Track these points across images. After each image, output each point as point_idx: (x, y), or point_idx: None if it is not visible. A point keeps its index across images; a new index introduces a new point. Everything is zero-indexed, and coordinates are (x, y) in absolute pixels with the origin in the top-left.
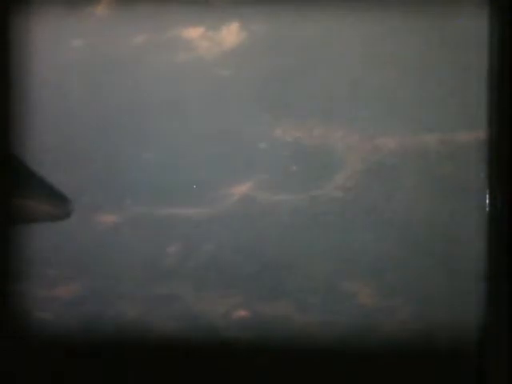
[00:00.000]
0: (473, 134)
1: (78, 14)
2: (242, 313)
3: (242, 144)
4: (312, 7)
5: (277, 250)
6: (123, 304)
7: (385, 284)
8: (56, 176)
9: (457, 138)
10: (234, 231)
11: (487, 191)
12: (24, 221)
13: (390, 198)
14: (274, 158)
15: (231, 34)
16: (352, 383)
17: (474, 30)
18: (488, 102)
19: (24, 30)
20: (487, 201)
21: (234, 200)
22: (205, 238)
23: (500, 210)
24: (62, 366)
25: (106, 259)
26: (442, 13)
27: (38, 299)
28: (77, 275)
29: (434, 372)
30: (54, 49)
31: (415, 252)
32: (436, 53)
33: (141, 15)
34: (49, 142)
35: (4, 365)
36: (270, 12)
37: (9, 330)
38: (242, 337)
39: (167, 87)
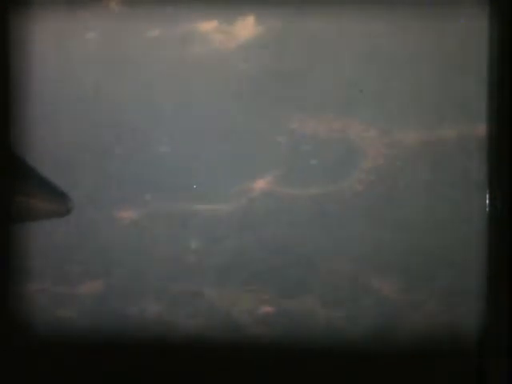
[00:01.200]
0: (473, 134)
1: (91, 8)
2: (267, 309)
3: (260, 138)
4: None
5: (300, 245)
6: (146, 301)
7: (409, 278)
8: (73, 173)
9: (456, 138)
10: (256, 227)
11: (487, 191)
12: (24, 218)
13: (410, 193)
14: (292, 152)
15: (246, 27)
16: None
17: (473, 30)
18: (488, 102)
19: (26, 27)
20: (487, 201)
21: (254, 195)
22: (226, 234)
23: (500, 210)
24: (87, 365)
25: (127, 256)
26: (442, 13)
27: (61, 297)
28: (99, 272)
29: (435, 372)
30: (68, 43)
31: (415, 251)
32: (436, 53)
33: (154, 9)
34: (64, 139)
35: (27, 363)
36: (285, 4)
37: (20, 329)
38: (268, 333)
39: (182, 81)
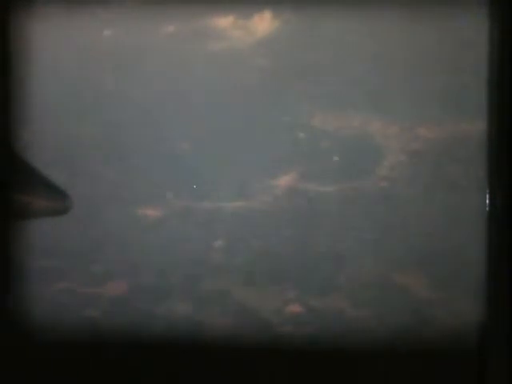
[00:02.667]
0: (473, 133)
1: (107, 5)
2: (296, 308)
3: (281, 135)
4: None
5: (326, 242)
6: (173, 301)
7: (437, 276)
8: (95, 172)
9: (456, 138)
10: (282, 224)
11: (487, 191)
12: (23, 216)
13: (433, 189)
14: (314, 148)
15: (264, 22)
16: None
17: (473, 30)
18: (488, 102)
19: (27, 24)
20: (487, 201)
21: (278, 192)
22: (251, 232)
23: (500, 210)
24: (114, 364)
25: (151, 255)
26: (443, 13)
27: (88, 297)
28: (124, 272)
29: (435, 372)
30: (85, 40)
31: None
32: (435, 53)
33: (169, 5)
34: (84, 137)
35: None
36: (301, 0)
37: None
38: (297, 332)
39: (200, 78)
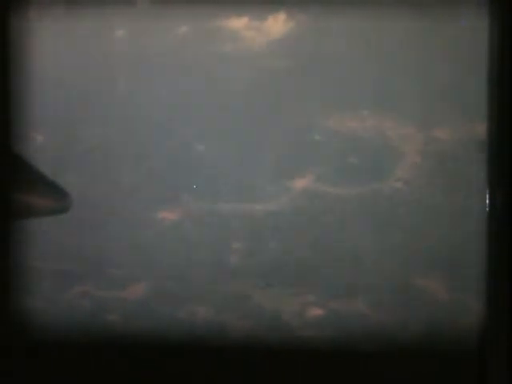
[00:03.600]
0: (473, 133)
1: (119, 6)
2: (316, 311)
3: (296, 136)
4: None
5: (345, 245)
6: (193, 304)
7: (458, 279)
8: (111, 174)
9: (456, 138)
10: (299, 226)
11: (487, 191)
12: (23, 215)
13: (451, 190)
14: (330, 150)
15: (278, 23)
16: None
17: (473, 30)
18: (488, 102)
19: (34, 26)
20: (487, 201)
21: (295, 194)
22: (269, 234)
23: (500, 210)
24: (133, 367)
25: (169, 258)
26: (443, 13)
27: (106, 301)
28: (143, 275)
29: (435, 372)
30: (97, 40)
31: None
32: (435, 53)
33: (182, 5)
34: (99, 139)
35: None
36: (316, 0)
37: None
38: (318, 336)
39: (214, 79)
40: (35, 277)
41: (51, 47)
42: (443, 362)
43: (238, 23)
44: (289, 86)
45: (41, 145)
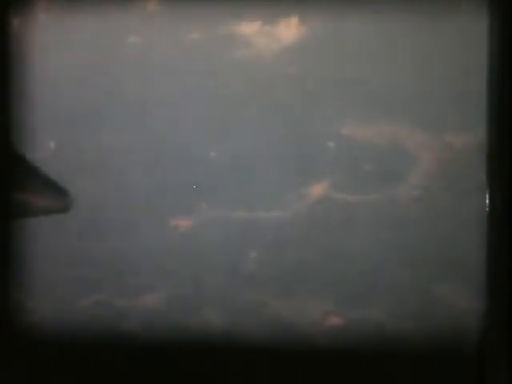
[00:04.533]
0: (472, 133)
1: (129, 10)
2: (334, 320)
3: (311, 143)
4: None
5: (362, 253)
6: (209, 312)
7: (474, 286)
8: (125, 181)
9: (457, 138)
10: (316, 234)
11: (487, 191)
12: (23, 214)
13: (469, 197)
14: (344, 157)
15: (290, 29)
16: None
17: (473, 30)
18: (488, 102)
19: (43, 29)
20: (487, 201)
21: (311, 202)
22: (286, 242)
23: (500, 210)
24: (150, 377)
25: (186, 265)
26: (442, 13)
27: (122, 309)
28: (159, 283)
29: (435, 373)
30: (108, 46)
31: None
32: (435, 53)
33: (193, 10)
34: (113, 145)
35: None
36: (330, 5)
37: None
38: (336, 344)
39: (225, 84)
40: (49, 284)
41: (64, 52)
42: (443, 362)
43: (250, 28)
44: (302, 92)
45: (53, 151)
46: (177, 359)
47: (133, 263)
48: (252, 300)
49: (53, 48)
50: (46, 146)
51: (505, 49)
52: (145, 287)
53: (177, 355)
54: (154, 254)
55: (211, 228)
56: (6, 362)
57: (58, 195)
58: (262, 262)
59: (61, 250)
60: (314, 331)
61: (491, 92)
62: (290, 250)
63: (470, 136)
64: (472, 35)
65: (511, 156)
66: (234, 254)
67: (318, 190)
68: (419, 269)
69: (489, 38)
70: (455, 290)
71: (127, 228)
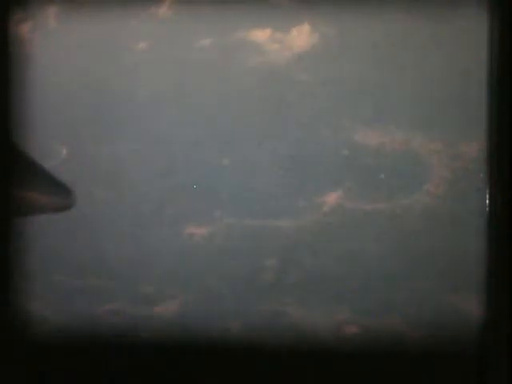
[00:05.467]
0: (472, 133)
1: (140, 16)
2: (352, 329)
3: (324, 151)
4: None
5: (378, 261)
6: (226, 321)
7: (487, 295)
8: (139, 188)
9: (457, 139)
10: (331, 242)
11: (487, 191)
12: (25, 212)
13: (480, 204)
14: (358, 165)
15: (302, 36)
16: None
17: (474, 30)
18: (488, 103)
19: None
20: (487, 201)
21: (325, 210)
22: (301, 250)
23: (500, 210)
24: None
25: (201, 274)
26: (442, 13)
27: (138, 318)
28: (175, 291)
29: (435, 372)
30: (119, 52)
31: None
32: (435, 53)
33: (204, 17)
34: (127, 151)
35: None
36: (341, 11)
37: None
38: (354, 353)
39: (237, 91)
40: (64, 293)
41: (76, 57)
42: (443, 362)
43: (261, 35)
44: (314, 99)
45: (65, 158)
46: (192, 369)
47: (147, 272)
48: (269, 309)
49: (65, 53)
50: (57, 153)
51: (505, 49)
52: (160, 296)
53: (192, 365)
54: (168, 262)
55: (226, 236)
56: (17, 371)
57: (61, 193)
58: (279, 270)
59: (74, 259)
60: (332, 339)
61: (491, 92)
62: (306, 258)
63: (470, 135)
64: (472, 35)
65: (511, 156)
66: (248, 263)
67: (332, 198)
68: (435, 279)
69: (489, 38)
70: (455, 290)
71: (141, 237)
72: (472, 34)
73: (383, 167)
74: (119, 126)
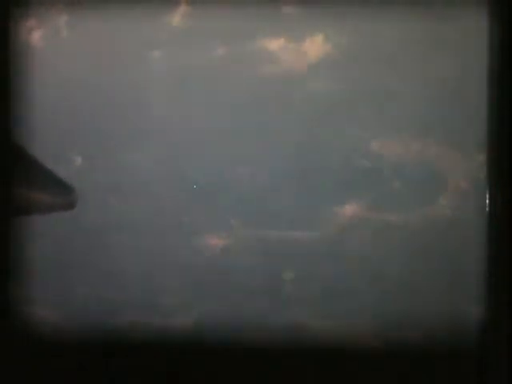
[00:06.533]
0: (472, 133)
1: (154, 24)
2: (374, 343)
3: (341, 162)
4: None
5: (399, 273)
6: (245, 334)
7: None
8: (157, 201)
9: (456, 138)
10: (351, 254)
11: (487, 191)
12: (25, 211)
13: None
14: (375, 175)
15: (315, 45)
16: None
17: (473, 30)
18: (488, 102)
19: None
20: (487, 201)
21: (344, 221)
22: (321, 262)
23: (500, 210)
24: None
25: (219, 285)
26: (443, 13)
27: (156, 329)
28: (193, 302)
29: (435, 372)
30: (132, 61)
31: (415, 254)
32: (435, 53)
33: (218, 26)
34: (143, 161)
35: None
36: (355, 21)
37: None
38: (375, 366)
39: (251, 101)
40: (84, 304)
41: (89, 65)
42: (443, 362)
43: (275, 44)
44: (327, 109)
45: (80, 166)
46: (213, 381)
47: (165, 283)
48: (290, 321)
49: (77, 62)
50: (72, 162)
51: (505, 49)
52: (178, 307)
53: (213, 377)
54: (184, 273)
55: (243, 248)
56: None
57: (63, 192)
58: (299, 282)
59: (89, 270)
60: (351, 352)
61: (490, 92)
62: (326, 270)
63: (470, 135)
64: (472, 35)
65: (511, 156)
66: (266, 274)
67: (350, 209)
68: (454, 290)
69: (489, 38)
70: (455, 290)
71: (159, 248)
72: (472, 34)
73: (400, 178)
74: (134, 135)
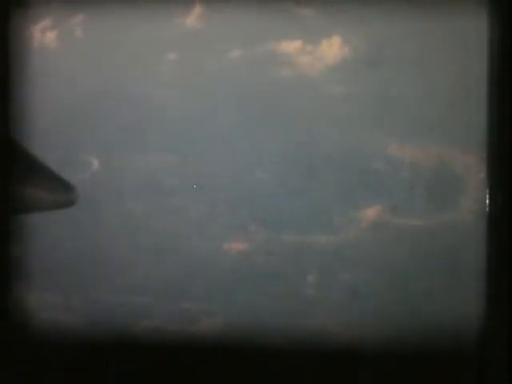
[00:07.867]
0: (472, 134)
1: (168, 26)
2: (396, 346)
3: (359, 165)
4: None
5: (416, 278)
6: (268, 339)
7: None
8: (177, 203)
9: (456, 138)
10: (371, 259)
11: (487, 191)
12: (24, 209)
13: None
14: (394, 179)
15: (332, 48)
16: None
17: (473, 31)
18: (488, 102)
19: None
20: (487, 201)
21: (364, 225)
22: (342, 266)
23: (500, 210)
24: None
25: (241, 290)
26: (443, 13)
27: (176, 335)
28: (217, 309)
29: (435, 372)
30: (147, 63)
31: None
32: (435, 53)
33: (234, 28)
34: (161, 164)
35: None
36: (373, 24)
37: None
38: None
39: (267, 103)
40: (105, 310)
41: (105, 70)
42: (443, 362)
43: (292, 47)
44: (345, 112)
45: (96, 169)
46: None
47: (186, 287)
48: (314, 326)
49: (92, 64)
50: (88, 164)
51: (505, 49)
52: (199, 313)
53: (239, 381)
54: (207, 278)
55: (265, 252)
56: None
57: (62, 189)
58: (321, 287)
59: (112, 275)
60: (373, 356)
61: (490, 92)
62: (347, 274)
63: (470, 135)
64: (472, 35)
65: (511, 156)
66: (288, 279)
67: (369, 213)
68: (474, 295)
69: (489, 38)
70: (455, 290)
71: (180, 253)
72: (472, 34)
73: (419, 182)
74: (152, 137)
